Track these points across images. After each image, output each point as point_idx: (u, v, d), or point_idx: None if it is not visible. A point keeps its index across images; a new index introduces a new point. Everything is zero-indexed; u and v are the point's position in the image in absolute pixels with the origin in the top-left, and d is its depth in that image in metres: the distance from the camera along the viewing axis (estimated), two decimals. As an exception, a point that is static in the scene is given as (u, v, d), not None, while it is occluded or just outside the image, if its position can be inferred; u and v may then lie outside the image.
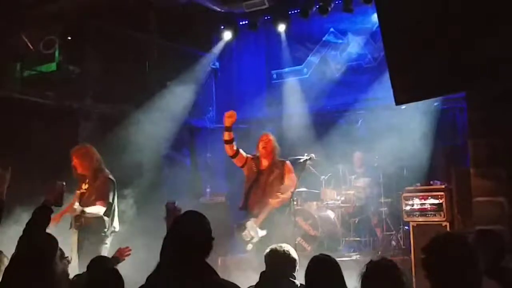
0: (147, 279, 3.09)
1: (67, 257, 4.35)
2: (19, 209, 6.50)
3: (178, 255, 3.03)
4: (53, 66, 7.91)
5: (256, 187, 6.39)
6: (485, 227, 5.23)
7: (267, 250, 4.14)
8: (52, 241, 3.66)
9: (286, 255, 4.04)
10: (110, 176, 6.16)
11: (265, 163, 6.47)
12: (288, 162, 6.54)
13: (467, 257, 2.77)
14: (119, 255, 4.84)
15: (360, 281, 3.17)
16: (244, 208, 6.41)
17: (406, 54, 5.09)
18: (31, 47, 7.56)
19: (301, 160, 7.22)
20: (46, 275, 3.44)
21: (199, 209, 6.17)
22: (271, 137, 6.65)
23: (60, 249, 4.20)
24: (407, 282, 3.20)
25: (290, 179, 6.40)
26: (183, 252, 3.02)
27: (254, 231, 6.19)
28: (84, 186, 6.09)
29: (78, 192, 6.06)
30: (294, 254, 4.10)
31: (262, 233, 6.15)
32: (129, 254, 4.96)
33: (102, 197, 5.94)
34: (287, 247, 4.14)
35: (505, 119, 5.64)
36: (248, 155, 6.64)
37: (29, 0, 7.14)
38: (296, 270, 4.05)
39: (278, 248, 4.10)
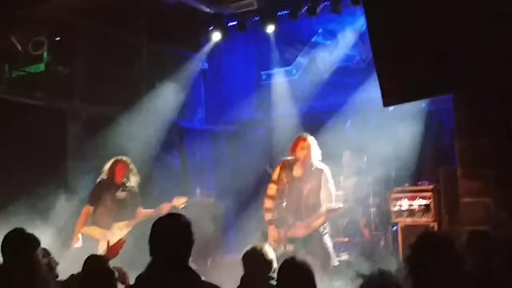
0: (135, 280, 3.11)
1: (52, 257, 4.35)
2: (7, 209, 6.51)
3: (158, 258, 3.04)
4: (41, 67, 7.89)
5: (290, 196, 6.00)
6: (474, 228, 5.29)
7: (243, 252, 4.05)
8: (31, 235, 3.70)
9: (261, 257, 3.94)
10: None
11: (299, 170, 6.06)
12: (326, 170, 6.06)
13: (449, 256, 2.81)
14: (112, 253, 4.78)
15: None
16: (273, 222, 6.05)
17: (393, 56, 5.13)
18: (20, 48, 7.53)
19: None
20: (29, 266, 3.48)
21: (188, 210, 6.21)
22: (310, 140, 6.15)
23: (45, 249, 4.21)
24: None
25: (327, 191, 6.00)
26: (163, 255, 3.02)
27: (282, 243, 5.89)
28: (121, 194, 6.83)
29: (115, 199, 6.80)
30: (270, 253, 3.99)
31: (289, 247, 5.85)
32: (121, 247, 4.94)
33: (141, 204, 6.93)
34: (261, 247, 4.03)
35: (491, 120, 5.71)
36: (278, 168, 6.20)
37: (18, 1, 7.10)
38: (273, 270, 3.92)
39: (252, 250, 4.00)
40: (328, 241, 6.08)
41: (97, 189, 6.88)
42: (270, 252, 4.02)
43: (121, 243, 4.93)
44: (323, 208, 5.94)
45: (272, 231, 6.01)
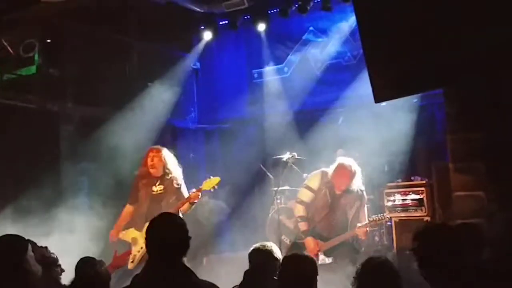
0: (132, 280, 3.13)
1: (60, 265, 4.32)
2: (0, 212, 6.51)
3: (154, 257, 3.06)
4: (33, 69, 7.86)
5: (333, 212, 6.07)
6: (466, 221, 5.32)
7: (251, 249, 4.14)
8: (19, 238, 3.65)
9: (270, 254, 4.02)
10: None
11: (341, 188, 6.08)
12: (364, 193, 6.19)
13: (452, 247, 2.86)
14: (117, 264, 4.68)
15: (356, 279, 3.20)
16: (308, 232, 6.09)
17: (384, 51, 5.14)
18: (11, 50, 7.52)
19: (284, 159, 7.27)
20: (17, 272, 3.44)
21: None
22: (348, 162, 6.10)
23: (54, 256, 4.18)
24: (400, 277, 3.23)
25: (365, 209, 6.19)
26: (159, 254, 3.05)
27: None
28: (158, 188, 6.24)
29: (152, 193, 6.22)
30: (278, 253, 4.09)
31: (325, 260, 5.94)
32: (128, 258, 4.83)
33: (183, 198, 6.20)
34: (271, 245, 4.12)
35: (482, 114, 5.73)
36: (317, 177, 6.18)
37: (8, 4, 7.08)
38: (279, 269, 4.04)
39: (261, 247, 4.08)
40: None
41: (134, 184, 6.36)
42: (278, 251, 4.11)
43: (128, 253, 4.78)
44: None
45: (311, 243, 6.02)
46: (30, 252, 3.65)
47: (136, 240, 6.11)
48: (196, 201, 6.13)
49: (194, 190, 6.14)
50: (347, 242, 6.07)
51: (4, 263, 3.46)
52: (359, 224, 5.97)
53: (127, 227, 6.34)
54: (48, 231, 6.48)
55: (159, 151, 6.32)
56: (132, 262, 5.92)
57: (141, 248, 5.94)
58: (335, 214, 6.09)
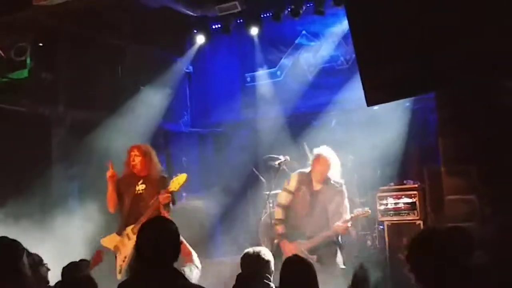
0: (118, 286, 3.12)
1: (46, 264, 4.32)
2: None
3: (144, 261, 3.06)
4: (24, 73, 7.81)
5: (313, 210, 6.08)
6: (455, 225, 5.34)
7: (242, 254, 4.16)
8: (16, 242, 3.65)
9: (259, 257, 4.04)
10: (165, 174, 6.21)
11: (318, 184, 6.09)
12: (344, 186, 6.15)
13: (447, 251, 2.86)
14: (98, 258, 4.76)
15: None
16: (285, 235, 6.09)
17: (376, 55, 5.15)
18: (2, 54, 7.48)
19: (276, 162, 7.27)
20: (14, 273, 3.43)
21: (175, 214, 6.20)
22: (327, 155, 6.11)
23: (38, 256, 4.18)
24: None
25: (346, 204, 6.12)
26: (149, 258, 3.04)
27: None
28: (140, 187, 6.01)
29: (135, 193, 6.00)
30: (268, 256, 4.11)
31: (309, 258, 5.94)
32: (100, 259, 4.92)
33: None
34: (261, 249, 4.15)
35: (473, 118, 5.76)
36: (295, 179, 6.17)
37: (-1, 7, 7.06)
38: (272, 272, 4.07)
39: (251, 251, 4.11)
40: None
41: (115, 187, 6.08)
42: (268, 254, 4.13)
43: (99, 254, 4.84)
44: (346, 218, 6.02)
45: (287, 246, 6.01)
46: (25, 256, 3.66)
47: (118, 248, 5.93)
48: (166, 202, 5.79)
49: (163, 192, 5.85)
50: (330, 239, 6.04)
51: (3, 264, 3.46)
52: (338, 223, 5.94)
53: (110, 230, 6.23)
54: (40, 235, 6.44)
55: (140, 149, 6.12)
56: (120, 272, 5.81)
57: (125, 257, 5.82)
58: (316, 212, 6.08)
